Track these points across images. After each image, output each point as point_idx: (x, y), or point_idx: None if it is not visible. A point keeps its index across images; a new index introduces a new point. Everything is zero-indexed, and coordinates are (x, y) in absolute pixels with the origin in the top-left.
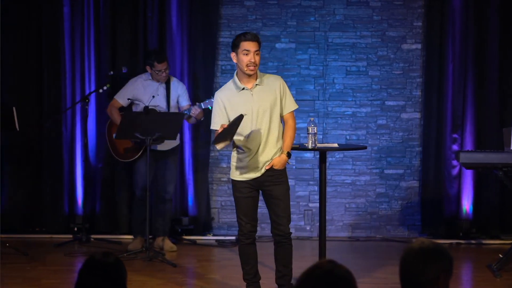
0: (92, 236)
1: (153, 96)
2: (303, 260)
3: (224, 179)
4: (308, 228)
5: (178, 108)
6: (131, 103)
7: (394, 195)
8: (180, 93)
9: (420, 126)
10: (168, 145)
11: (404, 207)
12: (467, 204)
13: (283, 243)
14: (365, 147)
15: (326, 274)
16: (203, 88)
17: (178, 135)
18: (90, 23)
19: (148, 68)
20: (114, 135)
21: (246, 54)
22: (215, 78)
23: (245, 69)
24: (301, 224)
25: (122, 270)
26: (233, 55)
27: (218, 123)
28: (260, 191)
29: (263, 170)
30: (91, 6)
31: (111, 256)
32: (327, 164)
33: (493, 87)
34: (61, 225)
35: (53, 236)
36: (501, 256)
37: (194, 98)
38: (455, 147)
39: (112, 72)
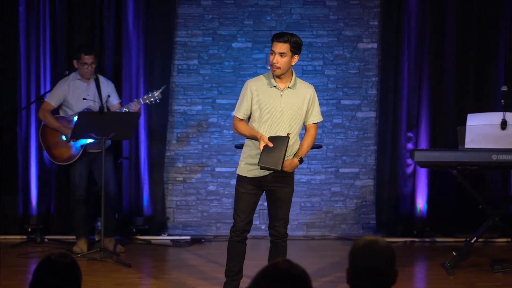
0: (47, 237)
1: (84, 99)
2: (258, 259)
3: (180, 178)
4: (263, 227)
5: (107, 107)
6: (59, 107)
7: (349, 194)
8: (110, 91)
9: (375, 125)
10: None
11: (359, 206)
12: (421, 203)
13: (276, 243)
14: (320, 146)
15: (283, 274)
16: (159, 88)
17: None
18: (46, 23)
19: (75, 62)
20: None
21: (271, 54)
22: (171, 78)
23: (269, 67)
24: (256, 223)
25: (78, 271)
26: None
27: (242, 111)
28: (264, 192)
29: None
30: (47, 6)
31: (68, 257)
32: None
33: (448, 86)
34: (16, 226)
35: (7, 237)
36: (454, 254)
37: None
38: (410, 145)
39: (68, 72)
